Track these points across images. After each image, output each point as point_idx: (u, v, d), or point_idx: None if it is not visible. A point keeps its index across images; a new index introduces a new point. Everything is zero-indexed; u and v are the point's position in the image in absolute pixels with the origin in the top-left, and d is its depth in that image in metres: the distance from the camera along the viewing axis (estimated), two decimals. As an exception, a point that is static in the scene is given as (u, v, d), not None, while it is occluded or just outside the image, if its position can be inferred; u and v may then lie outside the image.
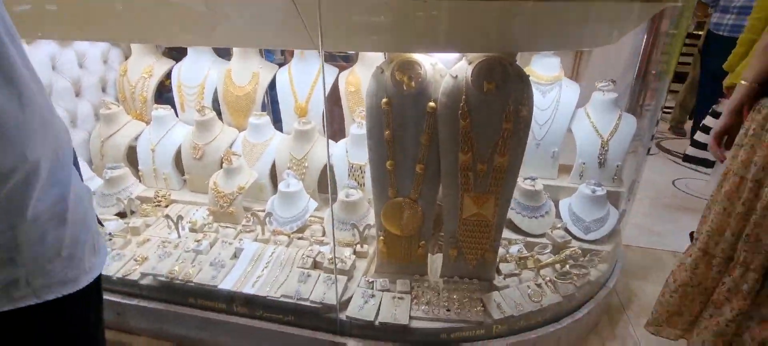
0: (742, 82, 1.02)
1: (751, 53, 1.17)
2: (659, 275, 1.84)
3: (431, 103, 1.13)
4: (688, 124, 3.92)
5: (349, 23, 0.97)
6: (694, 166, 3.28)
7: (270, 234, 1.56)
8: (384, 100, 1.14)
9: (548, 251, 1.49)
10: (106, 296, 1.38)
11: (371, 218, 1.51)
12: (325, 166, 1.71)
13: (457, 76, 1.11)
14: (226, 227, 1.61)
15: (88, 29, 1.27)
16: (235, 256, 1.44)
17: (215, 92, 1.93)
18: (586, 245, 1.53)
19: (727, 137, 1.10)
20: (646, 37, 1.53)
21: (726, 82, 1.60)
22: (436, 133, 1.16)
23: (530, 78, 1.70)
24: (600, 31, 1.10)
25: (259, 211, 1.67)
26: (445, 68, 1.16)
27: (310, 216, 1.65)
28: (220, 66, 1.93)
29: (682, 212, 2.52)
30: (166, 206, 1.83)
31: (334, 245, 1.35)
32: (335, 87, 1.80)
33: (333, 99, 1.81)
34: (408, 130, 1.17)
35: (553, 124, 1.64)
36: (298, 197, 1.62)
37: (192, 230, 1.59)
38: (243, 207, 1.74)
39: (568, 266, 1.40)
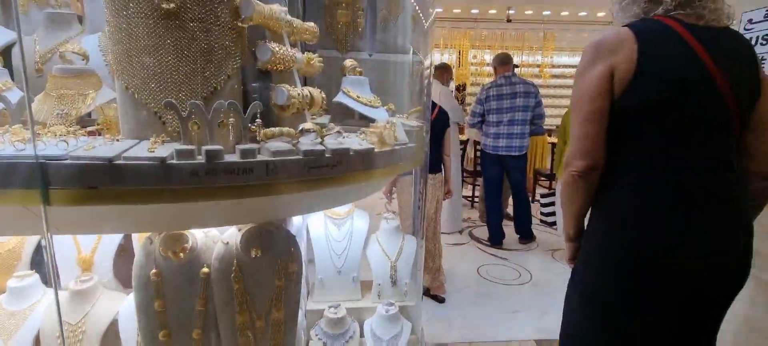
0: None
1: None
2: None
3: (205, 269, 1.18)
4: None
5: (91, 213, 0.98)
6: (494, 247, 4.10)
7: None
8: (153, 271, 1.14)
9: (349, 379, 1.60)
10: None
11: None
12: (110, 328, 1.53)
13: (228, 242, 1.20)
14: None
15: None
16: None
17: (-39, 250, 1.58)
18: (384, 363, 1.70)
19: None
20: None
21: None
22: (211, 296, 1.20)
23: (326, 214, 1.94)
24: (350, 195, 1.38)
25: (8, 402, 1.35)
26: (217, 234, 1.25)
27: (86, 393, 1.41)
28: (-26, 218, 1.62)
29: (482, 300, 3.04)
30: None
31: None
32: (128, 238, 1.69)
33: (127, 252, 1.69)
34: (182, 297, 1.18)
35: (349, 252, 1.86)
36: (66, 375, 1.38)
37: None
38: (-15, 400, 1.38)
39: (364, 392, 1.51)
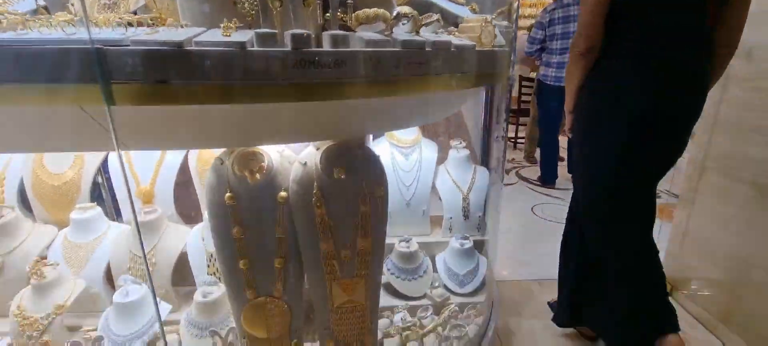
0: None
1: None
2: (530, 308, 2.01)
3: (282, 193, 1.04)
4: (539, 153, 4.62)
5: (160, 120, 0.83)
6: (546, 187, 3.86)
7: (102, 363, 1.23)
8: (227, 195, 1.01)
9: (431, 313, 1.49)
10: None
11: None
12: (180, 260, 1.46)
13: (306, 163, 1.04)
14: (36, 365, 1.23)
15: None
16: (46, 408, 1.09)
17: (22, 183, 1.53)
18: (462, 298, 1.58)
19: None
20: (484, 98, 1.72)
21: None
22: (292, 223, 1.07)
23: (392, 142, 1.75)
24: (448, 103, 1.17)
25: (89, 330, 1.33)
26: (293, 154, 1.09)
27: (163, 323, 1.37)
28: (29, 149, 1.54)
29: (541, 239, 2.86)
30: (-57, 349, 1.33)
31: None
32: (185, 165, 1.58)
33: (183, 178, 1.59)
34: (260, 224, 1.05)
35: (418, 184, 1.69)
36: (141, 306, 1.33)
37: (-20, 381, 1.17)
38: (67, 330, 1.36)
39: (448, 327, 1.41)
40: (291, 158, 1.07)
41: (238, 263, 1.06)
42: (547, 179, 3.84)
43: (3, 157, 1.53)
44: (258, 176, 1.00)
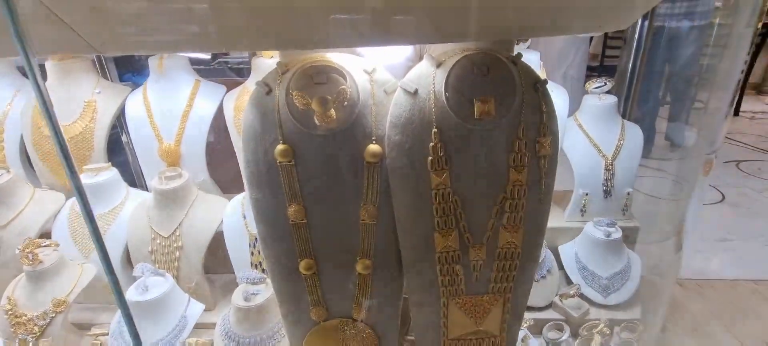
0: None
1: None
2: (748, 325, 1.32)
3: (373, 146, 0.58)
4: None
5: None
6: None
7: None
8: (279, 147, 0.56)
9: (567, 335, 1.01)
10: None
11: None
12: (213, 243, 1.08)
13: (416, 90, 0.57)
14: (28, 382, 0.91)
15: None
16: None
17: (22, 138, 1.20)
18: (608, 312, 1.08)
19: None
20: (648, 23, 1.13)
21: None
22: (386, 199, 0.61)
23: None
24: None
25: (99, 334, 1.00)
26: (391, 77, 0.61)
27: (195, 330, 1.00)
28: (30, 93, 1.20)
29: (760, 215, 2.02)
30: (-69, 344, 1.05)
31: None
32: (220, 114, 1.17)
33: (217, 131, 1.18)
34: (334, 200, 0.60)
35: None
36: (165, 305, 0.96)
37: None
38: (74, 328, 1.04)
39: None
40: (388, 83, 0.60)
41: (298, 265, 0.62)
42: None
43: (0, 106, 1.21)
44: (334, 112, 0.54)
